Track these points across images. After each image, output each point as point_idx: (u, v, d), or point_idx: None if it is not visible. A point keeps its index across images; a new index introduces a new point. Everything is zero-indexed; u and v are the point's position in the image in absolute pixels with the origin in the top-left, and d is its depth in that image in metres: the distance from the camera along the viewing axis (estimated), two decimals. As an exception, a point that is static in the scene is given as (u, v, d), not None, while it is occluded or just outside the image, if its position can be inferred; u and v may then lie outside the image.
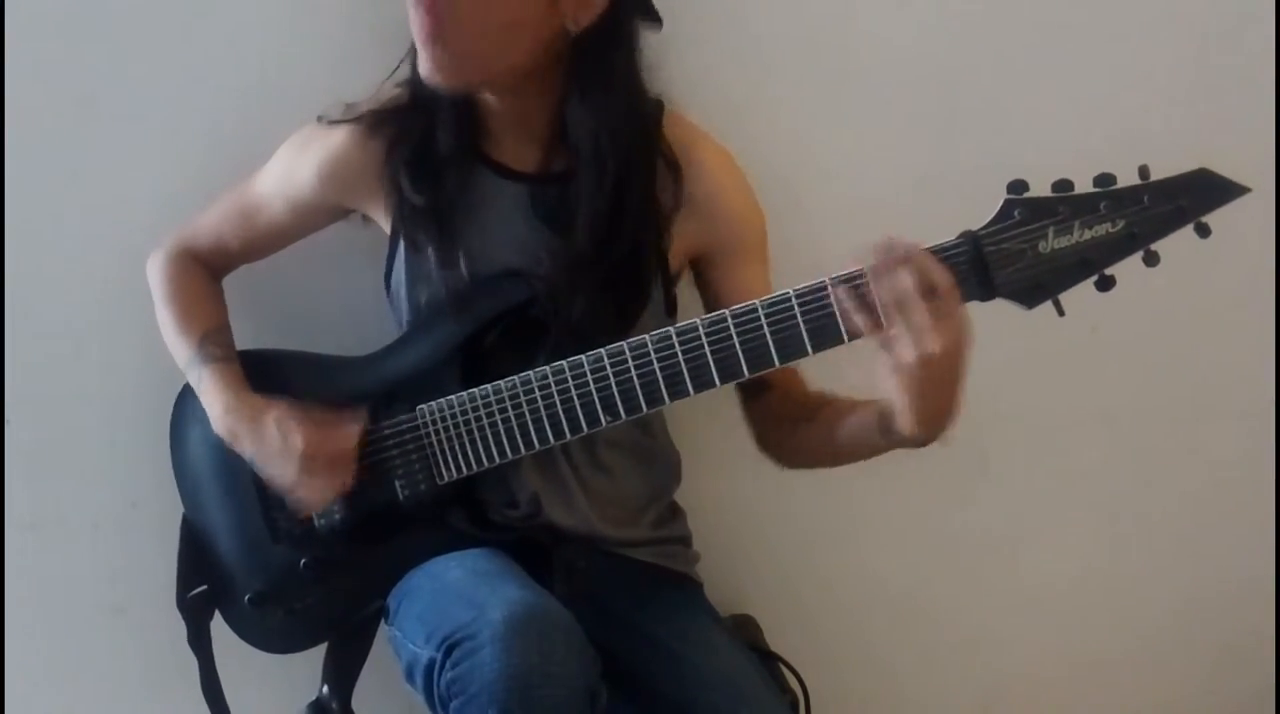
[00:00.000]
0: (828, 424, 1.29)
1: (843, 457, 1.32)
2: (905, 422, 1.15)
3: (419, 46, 1.27)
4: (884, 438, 1.21)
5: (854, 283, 1.14)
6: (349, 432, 1.34)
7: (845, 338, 1.16)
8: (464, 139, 1.34)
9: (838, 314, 1.15)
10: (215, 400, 1.39)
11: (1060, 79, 1.59)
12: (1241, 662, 1.85)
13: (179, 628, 1.47)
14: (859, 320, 1.13)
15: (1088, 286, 1.13)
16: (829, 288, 1.16)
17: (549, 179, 1.35)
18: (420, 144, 1.34)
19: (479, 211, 1.36)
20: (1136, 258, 1.12)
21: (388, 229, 1.40)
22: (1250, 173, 1.11)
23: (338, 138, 1.38)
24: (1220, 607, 1.81)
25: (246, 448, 1.37)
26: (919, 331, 1.09)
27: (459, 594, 1.24)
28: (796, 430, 1.35)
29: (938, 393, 1.14)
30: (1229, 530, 1.79)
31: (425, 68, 1.27)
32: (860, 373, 1.18)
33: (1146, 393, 1.72)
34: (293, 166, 1.42)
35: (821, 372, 1.35)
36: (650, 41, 1.35)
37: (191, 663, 1.47)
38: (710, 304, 1.42)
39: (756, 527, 1.72)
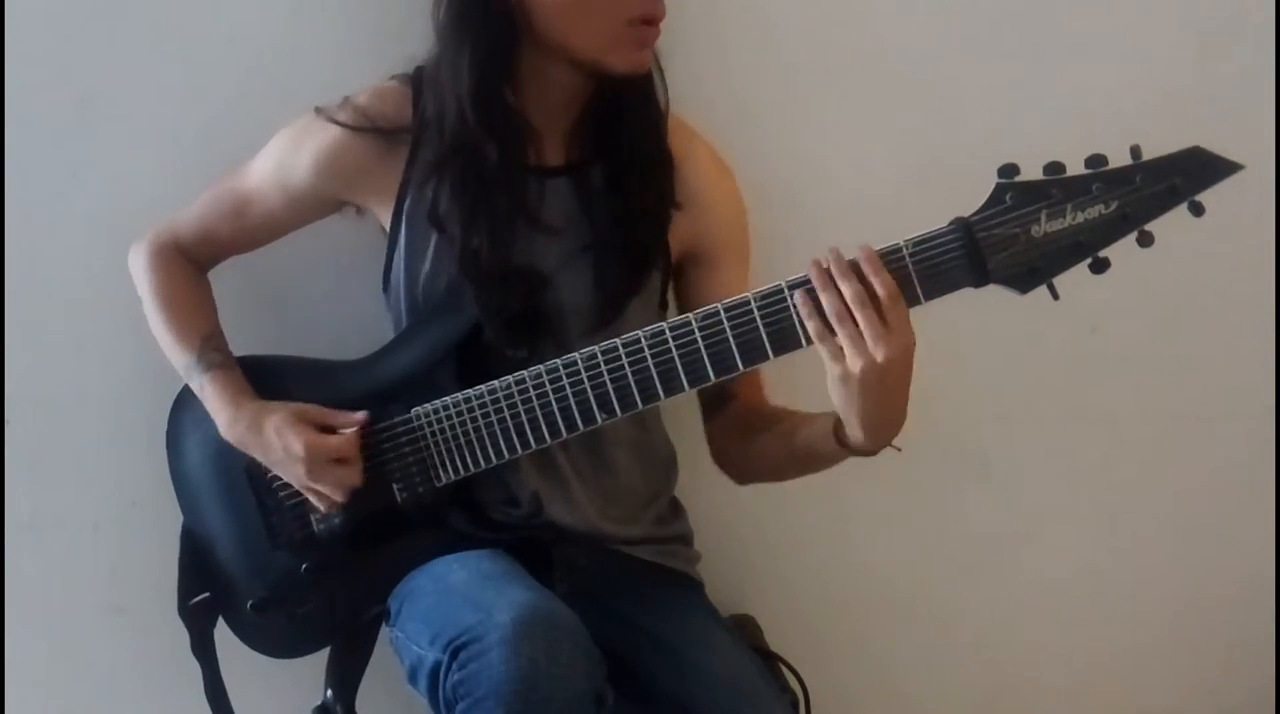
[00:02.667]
0: (785, 435, 1.32)
1: (796, 467, 1.35)
2: (853, 431, 1.18)
3: (644, 43, 1.28)
4: (836, 447, 1.22)
5: (807, 288, 1.14)
6: (347, 429, 1.34)
7: (804, 343, 1.16)
8: (513, 147, 1.32)
9: (794, 319, 1.16)
10: (221, 410, 1.39)
11: (1059, 74, 1.59)
12: (1241, 662, 1.85)
13: (179, 627, 1.46)
14: (810, 327, 1.14)
15: (1082, 271, 1.12)
16: (785, 292, 1.15)
17: (570, 170, 1.36)
18: (464, 164, 1.32)
19: (524, 211, 1.35)
20: (1130, 240, 1.10)
21: (386, 223, 1.40)
22: (1250, 171, 1.11)
23: (336, 130, 1.37)
24: (1220, 607, 1.81)
25: (258, 456, 1.38)
26: (862, 342, 1.10)
27: (464, 596, 1.23)
28: (755, 441, 1.37)
29: (882, 402, 1.15)
30: (1229, 531, 1.79)
31: (643, 59, 1.29)
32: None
33: (1146, 393, 1.72)
34: (289, 158, 1.40)
35: (784, 385, 1.39)
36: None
37: (192, 662, 1.47)
38: (685, 305, 1.44)
39: (756, 527, 1.72)
